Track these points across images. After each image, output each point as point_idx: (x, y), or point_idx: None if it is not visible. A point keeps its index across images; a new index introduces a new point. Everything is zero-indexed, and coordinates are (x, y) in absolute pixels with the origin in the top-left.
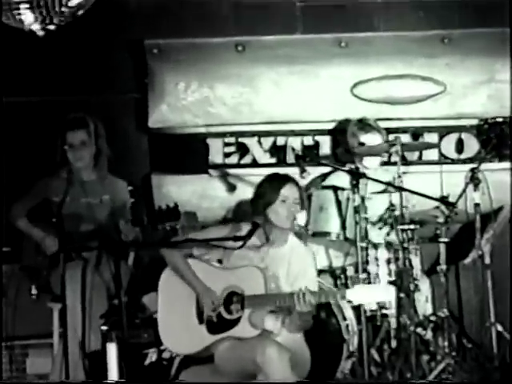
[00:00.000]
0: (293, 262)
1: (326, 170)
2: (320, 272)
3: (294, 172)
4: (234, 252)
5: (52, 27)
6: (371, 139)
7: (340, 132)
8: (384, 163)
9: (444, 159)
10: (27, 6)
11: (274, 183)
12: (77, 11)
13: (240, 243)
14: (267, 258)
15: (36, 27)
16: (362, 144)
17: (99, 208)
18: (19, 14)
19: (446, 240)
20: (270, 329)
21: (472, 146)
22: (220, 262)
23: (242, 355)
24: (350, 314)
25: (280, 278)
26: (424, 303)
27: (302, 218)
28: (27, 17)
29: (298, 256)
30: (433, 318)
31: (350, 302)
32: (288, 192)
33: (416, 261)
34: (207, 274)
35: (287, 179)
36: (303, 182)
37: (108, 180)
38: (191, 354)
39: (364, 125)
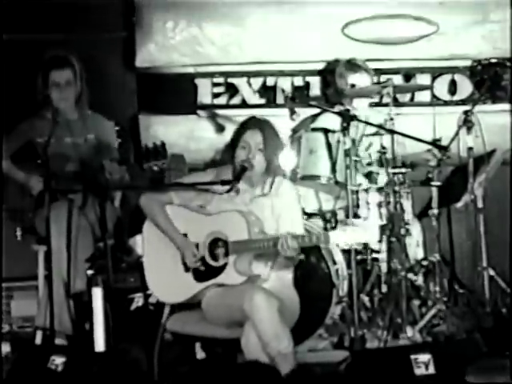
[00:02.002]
0: (276, 203)
1: (317, 111)
2: (310, 215)
3: (283, 113)
4: (215, 197)
5: None
6: (359, 80)
7: (329, 73)
8: (376, 104)
9: (437, 101)
10: None
11: (239, 129)
12: None
13: (227, 187)
14: (250, 202)
15: None
16: (353, 85)
17: (84, 147)
18: None
19: (438, 184)
20: (257, 273)
21: (465, 87)
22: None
23: (229, 302)
24: (340, 258)
25: (264, 221)
26: (415, 247)
27: (290, 162)
28: None
29: (282, 195)
30: (424, 263)
31: (337, 245)
32: (249, 138)
33: (407, 205)
34: (189, 222)
35: (251, 125)
36: (292, 124)
37: (93, 119)
38: (179, 302)
39: (352, 65)
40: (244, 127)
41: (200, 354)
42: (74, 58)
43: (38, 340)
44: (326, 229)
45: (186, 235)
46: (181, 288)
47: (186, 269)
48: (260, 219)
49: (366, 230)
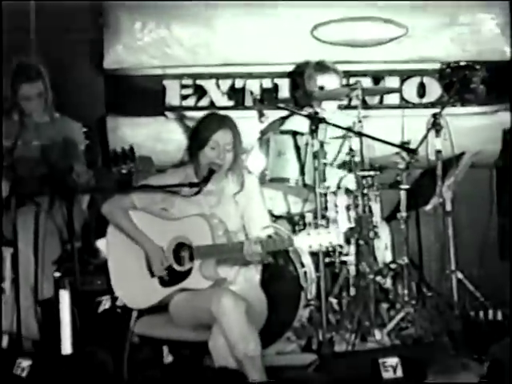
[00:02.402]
0: (240, 199)
1: (285, 113)
2: (278, 218)
3: (252, 115)
4: (178, 199)
5: None
6: (328, 81)
7: (298, 75)
8: (344, 107)
9: (405, 103)
10: None
11: (207, 126)
12: None
13: (195, 189)
14: (214, 203)
15: None
16: (322, 88)
17: (52, 150)
18: None
19: (406, 186)
20: (223, 277)
21: (434, 90)
22: (165, 210)
23: (196, 305)
24: (308, 260)
25: (228, 219)
26: (383, 250)
27: (259, 164)
28: None
29: (245, 190)
30: (392, 266)
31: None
32: (220, 138)
33: (376, 207)
34: (153, 227)
35: (222, 124)
36: (261, 126)
37: (61, 121)
38: (146, 307)
39: (321, 67)
40: (213, 127)
41: (167, 358)
42: (42, 66)
43: (5, 344)
44: (294, 231)
45: None
46: (147, 293)
47: (152, 274)
48: (223, 221)
49: (330, 233)
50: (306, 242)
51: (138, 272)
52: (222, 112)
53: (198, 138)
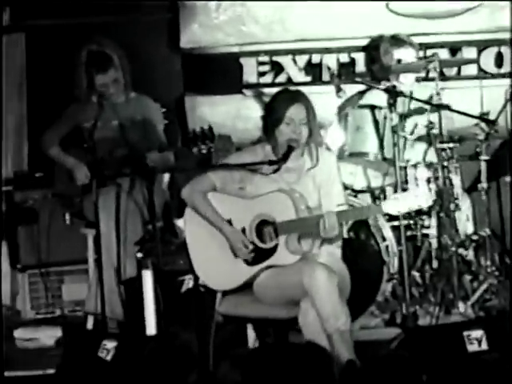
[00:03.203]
0: (317, 173)
1: (363, 88)
2: (359, 192)
3: (329, 90)
4: (256, 177)
5: None
6: (405, 54)
7: (374, 49)
8: (422, 79)
9: (483, 74)
10: None
11: (280, 103)
12: None
13: (274, 167)
14: (294, 179)
15: None
16: (399, 61)
17: (131, 130)
18: None
19: (486, 158)
20: (308, 250)
21: None
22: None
23: (286, 280)
24: (389, 234)
25: (307, 195)
26: (465, 222)
27: (338, 139)
28: None
29: (322, 165)
30: (474, 237)
31: (388, 215)
32: (294, 113)
33: (456, 179)
34: (233, 207)
35: (294, 99)
36: (339, 102)
37: (139, 101)
38: (232, 288)
39: (397, 40)
40: (286, 103)
41: (254, 344)
42: (114, 53)
43: (90, 325)
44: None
45: (230, 221)
46: (232, 274)
47: (236, 254)
48: (303, 196)
49: (417, 196)
50: (394, 208)
51: (221, 254)
52: (293, 87)
53: (272, 115)
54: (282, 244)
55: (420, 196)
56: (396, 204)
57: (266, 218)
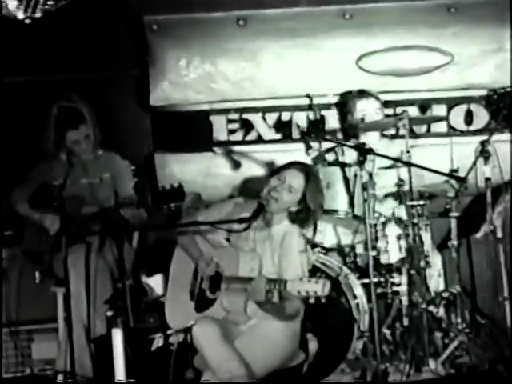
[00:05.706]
0: (283, 245)
1: (331, 145)
2: (329, 250)
3: (300, 147)
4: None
5: (38, 15)
6: (367, 105)
7: (343, 105)
8: (392, 137)
9: (453, 131)
10: None
11: (284, 165)
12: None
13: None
14: (262, 239)
15: (20, 16)
16: (362, 119)
17: (100, 188)
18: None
19: (456, 215)
20: (248, 313)
21: (481, 117)
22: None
23: None
24: (360, 292)
25: (264, 260)
26: (436, 279)
27: None
28: (10, 3)
29: (288, 240)
30: (445, 295)
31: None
32: (288, 176)
33: (426, 236)
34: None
35: (297, 167)
36: (309, 159)
37: (108, 158)
38: (180, 329)
39: (361, 93)
40: (289, 165)
41: None
42: (84, 108)
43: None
44: (345, 263)
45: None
46: (184, 315)
47: (191, 297)
48: (259, 257)
49: (317, 283)
50: (296, 288)
51: (184, 293)
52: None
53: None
54: (219, 298)
55: (319, 283)
56: (299, 285)
57: (219, 270)
